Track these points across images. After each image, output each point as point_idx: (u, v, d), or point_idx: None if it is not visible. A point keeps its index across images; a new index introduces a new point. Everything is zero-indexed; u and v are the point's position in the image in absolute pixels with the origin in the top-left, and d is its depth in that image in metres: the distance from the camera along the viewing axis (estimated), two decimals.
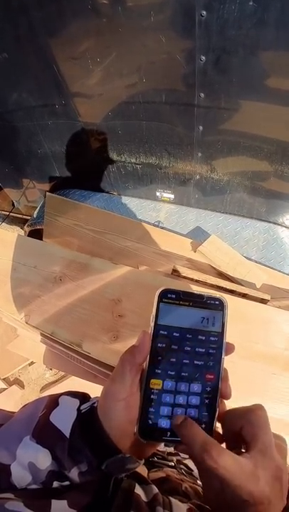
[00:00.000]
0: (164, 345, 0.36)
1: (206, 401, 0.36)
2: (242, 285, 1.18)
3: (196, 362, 0.36)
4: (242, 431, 0.33)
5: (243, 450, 0.33)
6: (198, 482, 0.56)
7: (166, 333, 0.37)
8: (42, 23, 0.95)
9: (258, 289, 1.19)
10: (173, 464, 0.60)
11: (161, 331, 0.37)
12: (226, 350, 0.37)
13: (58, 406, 0.38)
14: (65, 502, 0.32)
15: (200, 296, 0.38)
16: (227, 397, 0.37)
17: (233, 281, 1.20)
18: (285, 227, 1.36)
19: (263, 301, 1.10)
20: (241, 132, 1.09)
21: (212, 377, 0.36)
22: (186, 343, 0.36)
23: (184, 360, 0.36)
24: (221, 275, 1.23)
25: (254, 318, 0.82)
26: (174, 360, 0.36)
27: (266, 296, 1.10)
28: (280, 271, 1.28)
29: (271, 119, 1.02)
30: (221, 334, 0.37)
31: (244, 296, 1.11)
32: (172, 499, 0.41)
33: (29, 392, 1.94)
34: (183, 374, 0.36)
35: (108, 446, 0.34)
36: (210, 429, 0.35)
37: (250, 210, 1.38)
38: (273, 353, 0.78)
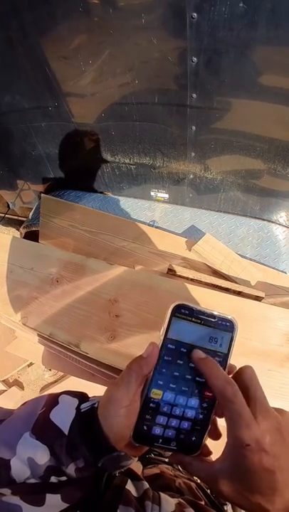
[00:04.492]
0: (170, 358, 0.38)
1: (201, 416, 0.37)
2: (237, 283, 1.19)
3: (197, 379, 0.37)
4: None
5: None
6: (194, 478, 0.57)
7: (174, 347, 0.38)
8: (33, 24, 0.95)
9: (252, 286, 1.20)
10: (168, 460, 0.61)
11: (169, 345, 0.38)
12: (228, 371, 0.38)
13: (57, 404, 0.40)
14: (58, 496, 0.34)
15: (212, 316, 0.38)
16: (221, 415, 0.38)
17: (227, 279, 1.21)
18: (279, 224, 1.38)
19: (258, 298, 1.11)
20: (234, 131, 1.10)
21: (210, 394, 0.37)
22: (191, 359, 0.37)
23: (187, 376, 0.37)
24: (216, 273, 1.24)
25: (249, 315, 0.82)
26: (177, 374, 0.37)
27: (261, 294, 1.11)
28: (274, 268, 1.29)
29: (263, 117, 1.03)
30: (226, 355, 0.38)
31: (239, 293, 1.12)
32: (162, 494, 0.42)
33: (29, 393, 1.95)
34: (183, 388, 0.37)
35: (105, 445, 0.36)
36: (200, 443, 0.37)
37: (244, 208, 1.39)
38: (268, 350, 0.79)
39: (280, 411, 0.34)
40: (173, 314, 0.38)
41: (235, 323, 0.38)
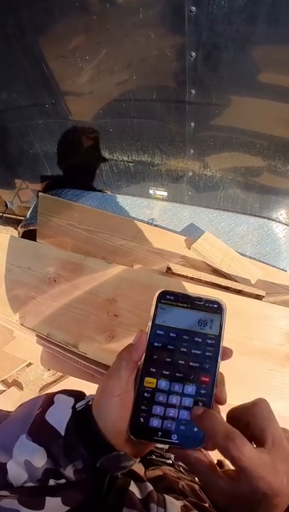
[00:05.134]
0: (160, 344, 0.36)
1: (200, 404, 0.35)
2: (237, 281, 1.18)
3: (191, 363, 0.36)
4: (249, 427, 0.33)
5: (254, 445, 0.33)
6: (196, 479, 0.56)
7: (162, 333, 0.37)
8: (30, 21, 0.93)
9: (252, 285, 1.19)
10: (170, 461, 0.60)
11: (158, 331, 0.37)
12: (223, 355, 0.37)
13: (53, 404, 0.39)
14: (59, 499, 0.32)
15: (198, 299, 0.37)
16: (222, 402, 0.36)
17: (228, 278, 1.20)
18: (279, 222, 1.37)
19: (258, 297, 1.10)
20: (233, 128, 1.09)
21: (207, 379, 0.36)
22: (182, 343, 0.36)
23: (180, 361, 0.36)
24: (216, 272, 1.23)
25: (249, 314, 0.82)
26: (169, 360, 0.36)
27: (261, 292, 1.10)
28: (274, 266, 1.28)
29: (263, 114, 1.02)
30: (218, 337, 0.37)
31: (239, 292, 1.12)
32: (167, 496, 0.41)
33: (28, 393, 1.94)
34: (177, 374, 0.36)
35: (102, 444, 0.35)
36: (202, 434, 0.35)
37: (243, 206, 1.38)
38: (269, 349, 0.79)
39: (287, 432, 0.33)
40: (158, 301, 0.37)
41: (223, 305, 0.37)
